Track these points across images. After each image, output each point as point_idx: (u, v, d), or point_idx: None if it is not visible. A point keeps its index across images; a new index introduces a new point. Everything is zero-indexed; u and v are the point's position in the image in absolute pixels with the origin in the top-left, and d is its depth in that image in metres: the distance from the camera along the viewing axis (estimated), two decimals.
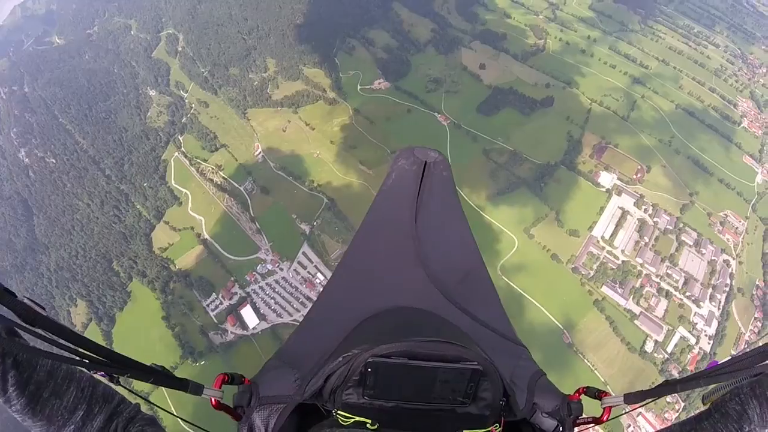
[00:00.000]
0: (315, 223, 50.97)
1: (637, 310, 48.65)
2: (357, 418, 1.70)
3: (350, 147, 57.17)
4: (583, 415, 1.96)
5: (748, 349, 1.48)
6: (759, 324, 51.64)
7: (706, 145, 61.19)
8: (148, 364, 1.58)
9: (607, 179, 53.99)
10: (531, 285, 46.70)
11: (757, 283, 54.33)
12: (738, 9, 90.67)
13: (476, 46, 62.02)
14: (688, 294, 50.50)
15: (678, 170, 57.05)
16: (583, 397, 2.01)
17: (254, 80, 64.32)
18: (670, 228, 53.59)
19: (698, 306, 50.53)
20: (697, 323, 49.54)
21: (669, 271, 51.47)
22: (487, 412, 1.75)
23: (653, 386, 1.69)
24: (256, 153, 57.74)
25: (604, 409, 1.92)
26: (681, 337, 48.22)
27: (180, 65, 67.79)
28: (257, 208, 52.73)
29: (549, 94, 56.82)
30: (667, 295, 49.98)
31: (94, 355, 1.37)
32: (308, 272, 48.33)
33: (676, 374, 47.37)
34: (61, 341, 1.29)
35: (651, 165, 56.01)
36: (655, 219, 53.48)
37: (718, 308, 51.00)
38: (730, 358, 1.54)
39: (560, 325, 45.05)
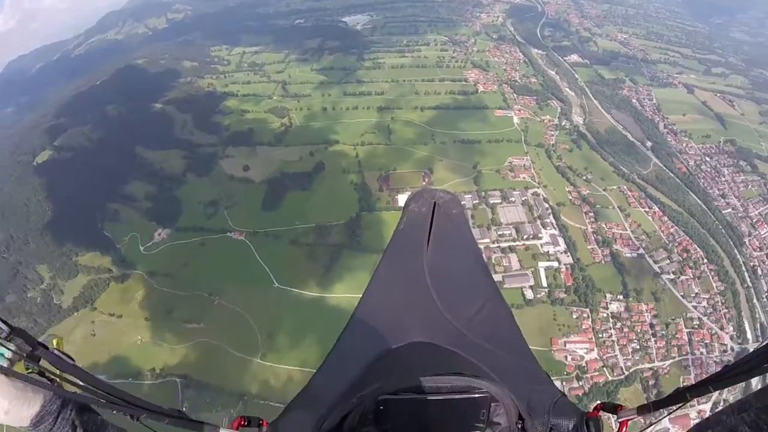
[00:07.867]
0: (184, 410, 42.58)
1: (499, 277, 50.75)
2: None
3: (166, 313, 50.13)
4: None
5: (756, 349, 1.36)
6: (592, 215, 58.59)
7: (465, 125, 69.57)
8: (166, 407, 1.66)
9: (404, 199, 56.38)
10: None
11: (567, 189, 62.14)
12: (429, 6, 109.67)
13: (231, 152, 61.29)
14: (525, 237, 54.45)
15: (453, 157, 63.23)
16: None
17: (35, 297, 53.52)
18: (477, 201, 58.23)
19: (539, 239, 54.99)
20: (548, 250, 53.52)
21: (499, 233, 55.11)
22: None
23: (664, 396, 1.64)
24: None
25: (620, 423, 1.87)
26: (545, 268, 51.40)
27: None
28: None
29: (317, 161, 58.40)
30: (511, 249, 53.22)
31: (121, 399, 1.50)
32: None
33: (563, 296, 50.69)
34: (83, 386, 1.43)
35: (431, 166, 60.97)
36: (462, 203, 57.57)
37: (555, 228, 56.33)
38: (738, 359, 1.43)
39: None
